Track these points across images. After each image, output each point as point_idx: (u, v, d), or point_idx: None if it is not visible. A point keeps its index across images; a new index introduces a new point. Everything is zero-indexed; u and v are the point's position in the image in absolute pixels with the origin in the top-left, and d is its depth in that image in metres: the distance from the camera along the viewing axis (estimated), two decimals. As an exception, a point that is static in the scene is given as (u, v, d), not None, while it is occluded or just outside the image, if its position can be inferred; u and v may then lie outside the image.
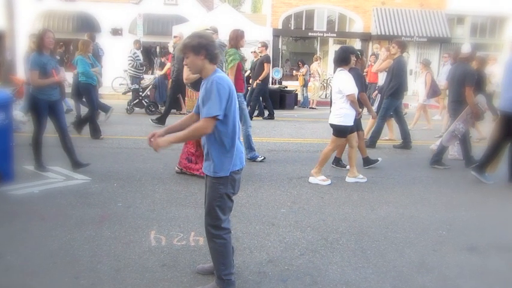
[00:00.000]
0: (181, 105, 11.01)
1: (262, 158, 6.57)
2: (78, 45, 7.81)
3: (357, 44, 19.93)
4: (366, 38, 20.01)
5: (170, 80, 9.98)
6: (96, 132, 7.93)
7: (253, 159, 6.54)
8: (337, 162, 6.43)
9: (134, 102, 11.50)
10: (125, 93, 12.41)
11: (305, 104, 15.02)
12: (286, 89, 15.11)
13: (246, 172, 5.30)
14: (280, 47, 21.34)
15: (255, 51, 12.93)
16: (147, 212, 4.36)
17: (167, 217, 4.24)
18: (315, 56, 16.00)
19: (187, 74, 5.47)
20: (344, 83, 5.33)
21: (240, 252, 3.49)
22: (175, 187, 5.23)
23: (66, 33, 18.95)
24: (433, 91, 9.92)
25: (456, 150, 7.18)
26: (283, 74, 18.51)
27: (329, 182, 5.55)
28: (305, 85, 15.05)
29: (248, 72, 12.61)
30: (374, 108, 8.20)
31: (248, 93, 10.76)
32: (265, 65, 10.56)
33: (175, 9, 20.53)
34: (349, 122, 5.44)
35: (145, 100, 11.47)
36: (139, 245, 3.59)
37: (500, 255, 3.68)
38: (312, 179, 5.59)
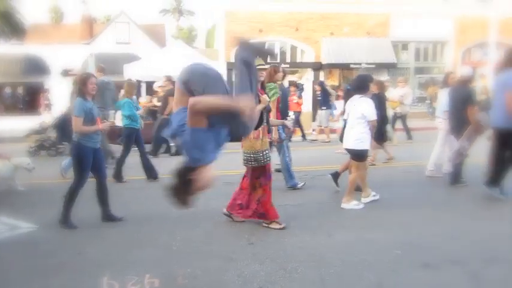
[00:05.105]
0: None
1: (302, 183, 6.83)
2: (124, 87, 7.93)
3: (309, 73, 20.52)
4: (317, 67, 20.64)
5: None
6: (118, 177, 7.55)
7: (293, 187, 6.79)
8: (335, 176, 6.55)
9: (36, 145, 10.75)
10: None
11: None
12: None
13: (203, 208, 5.21)
14: (233, 79, 21.57)
15: (160, 86, 11.63)
16: (100, 257, 4.18)
17: (121, 260, 4.07)
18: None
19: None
20: (368, 109, 5.69)
21: (197, 291, 3.39)
22: (131, 227, 5.06)
23: (13, 76, 18.52)
24: None
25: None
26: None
27: (362, 205, 5.76)
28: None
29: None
30: None
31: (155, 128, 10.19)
32: (170, 98, 9.46)
33: (128, 48, 20.52)
34: (368, 145, 5.84)
35: (47, 142, 10.81)
36: (90, 293, 3.42)
37: (451, 268, 3.79)
38: (344, 205, 5.73)
